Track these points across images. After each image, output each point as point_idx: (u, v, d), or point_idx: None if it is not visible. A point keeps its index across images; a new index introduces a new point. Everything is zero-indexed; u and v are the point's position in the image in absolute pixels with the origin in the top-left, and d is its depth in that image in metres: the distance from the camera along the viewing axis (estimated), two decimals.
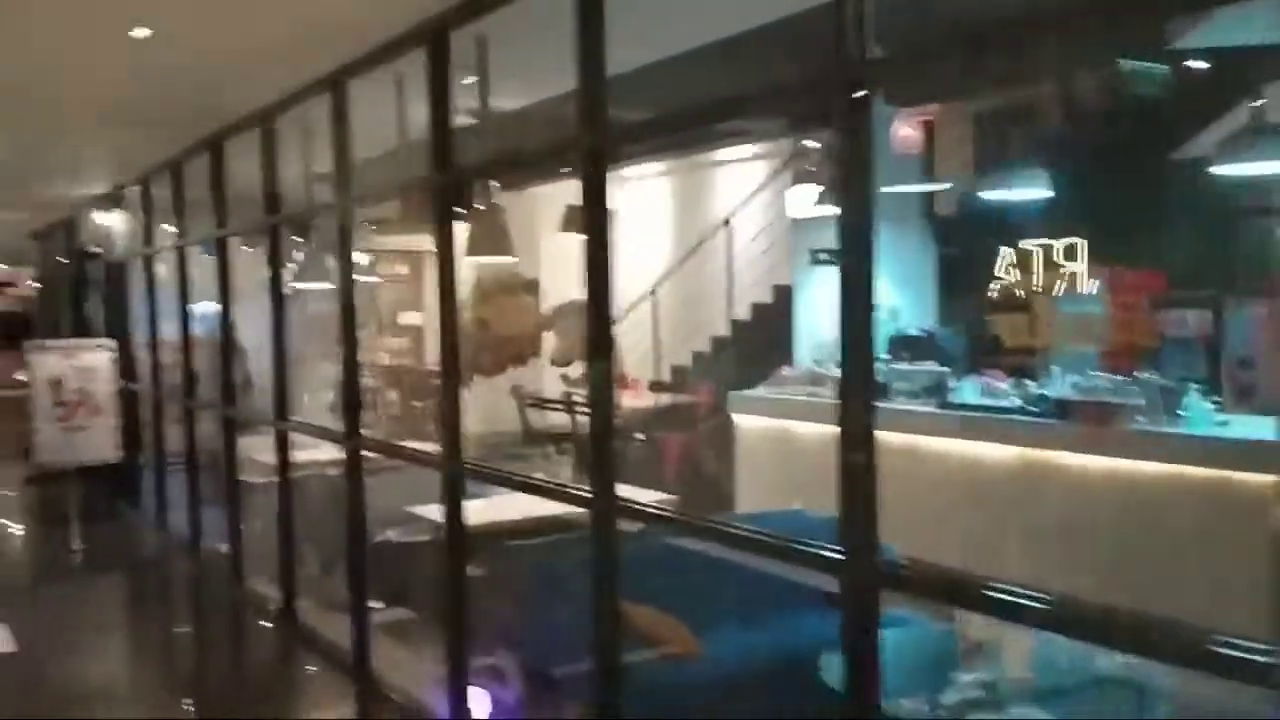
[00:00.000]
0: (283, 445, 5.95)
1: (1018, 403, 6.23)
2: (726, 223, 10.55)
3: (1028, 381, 6.42)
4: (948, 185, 8.33)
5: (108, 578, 7.94)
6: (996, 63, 4.36)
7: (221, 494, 7.20)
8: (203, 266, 7.49)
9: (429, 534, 5.68)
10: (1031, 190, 6.87)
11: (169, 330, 8.39)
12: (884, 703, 2.53)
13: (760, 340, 9.50)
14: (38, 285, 16.34)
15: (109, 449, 8.53)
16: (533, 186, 11.35)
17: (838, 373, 7.93)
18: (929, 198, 8.39)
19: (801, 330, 8.82)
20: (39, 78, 5.30)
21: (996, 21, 2.05)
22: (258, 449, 6.97)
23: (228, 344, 7.01)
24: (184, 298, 7.82)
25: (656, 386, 10.96)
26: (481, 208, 5.81)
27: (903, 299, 8.18)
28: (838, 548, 2.45)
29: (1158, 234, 7.30)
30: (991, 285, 8.58)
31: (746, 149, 10.39)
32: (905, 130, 7.87)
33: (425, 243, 14.14)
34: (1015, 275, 8.49)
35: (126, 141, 7.21)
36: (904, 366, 7.06)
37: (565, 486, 3.86)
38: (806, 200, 8.38)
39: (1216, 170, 5.63)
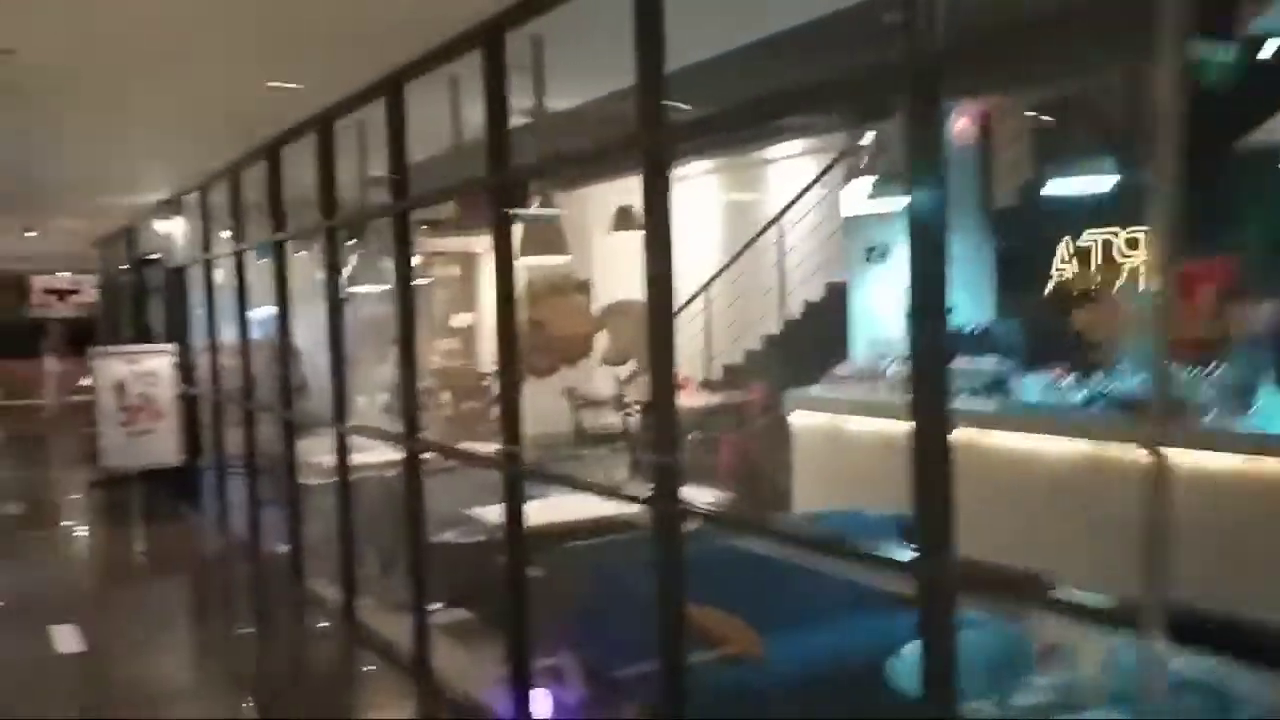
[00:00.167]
0: (341, 447, 5.99)
1: (1082, 398, 6.09)
2: (777, 220, 10.47)
3: (1093, 377, 6.27)
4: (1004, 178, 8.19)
5: (171, 579, 8.07)
6: (1058, 53, 4.27)
7: (281, 496, 7.27)
8: (260, 271, 7.58)
9: (487, 535, 5.69)
10: (1093, 182, 6.73)
11: (227, 335, 8.50)
12: (959, 705, 2.48)
13: (814, 338, 9.41)
14: (99, 291, 16.69)
15: (170, 452, 8.68)
16: (583, 187, 11.35)
17: (895, 370, 7.83)
18: (985, 191, 8.25)
19: (856, 327, 8.72)
20: (104, 91, 5.38)
21: (1059, 11, 1.99)
22: (315, 451, 7.03)
23: (285, 348, 7.07)
24: (242, 302, 7.90)
25: (708, 386, 10.91)
26: (536, 207, 5.80)
27: (958, 294, 8.05)
28: (913, 548, 2.39)
29: (1227, 224, 7.11)
30: (1050, 279, 8.41)
31: (796, 145, 10.30)
32: (960, 122, 7.75)
33: (476, 244, 14.28)
34: (1074, 269, 8.32)
35: (187, 149, 7.31)
36: (963, 364, 6.94)
37: (627, 489, 3.83)
38: (860, 196, 8.28)
39: None
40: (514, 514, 4.09)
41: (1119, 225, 7.86)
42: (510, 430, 4.03)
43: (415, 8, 3.96)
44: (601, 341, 12.41)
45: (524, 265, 9.90)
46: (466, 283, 14.44)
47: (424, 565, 5.12)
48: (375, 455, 6.72)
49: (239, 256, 7.88)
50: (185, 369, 9.28)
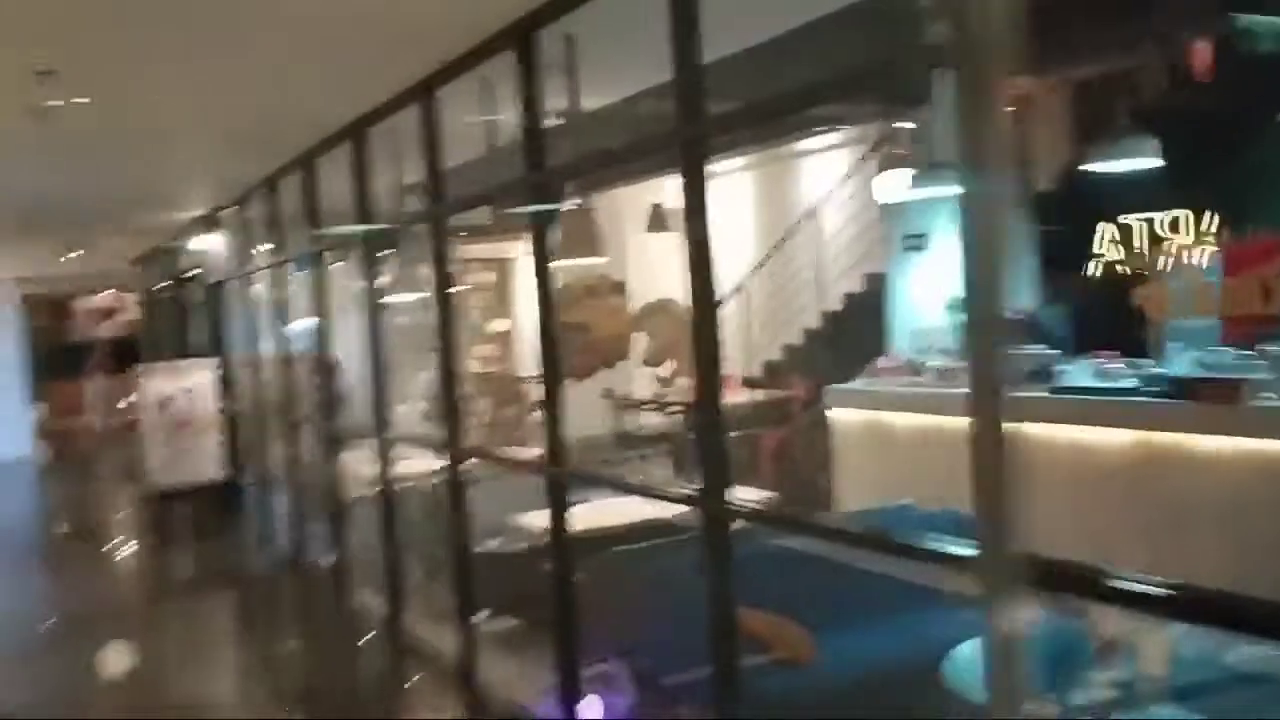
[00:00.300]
0: (384, 457, 5.98)
1: (1134, 383, 5.95)
2: (813, 213, 10.38)
3: (1145, 360, 6.13)
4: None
5: (218, 593, 8.12)
6: (1100, 29, 4.17)
7: (324, 508, 7.29)
8: (299, 284, 7.60)
9: (532, 542, 5.66)
10: (1136, 161, 6.58)
11: (268, 348, 8.54)
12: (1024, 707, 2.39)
13: (854, 331, 9.31)
14: (141, 309, 16.90)
15: (214, 468, 8.73)
16: (616, 187, 11.31)
17: (939, 362, 7.71)
18: (1027, 175, 8.11)
19: (897, 319, 8.61)
20: (146, 113, 5.41)
21: None
22: (358, 462, 7.04)
23: (325, 359, 7.08)
24: (282, 315, 7.93)
25: (750, 383, 10.83)
26: (572, 208, 5.76)
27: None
28: (972, 545, 2.31)
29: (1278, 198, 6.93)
30: (1092, 262, 8.26)
31: (829, 138, 10.20)
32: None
33: (510, 249, 14.27)
34: (1116, 252, 8.17)
35: (224, 164, 7.35)
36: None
37: (675, 490, 3.77)
38: (897, 185, 8.17)
39: None
40: (559, 519, 4.05)
41: (1159, 207, 7.71)
42: (554, 433, 3.99)
43: (446, 12, 3.93)
44: (640, 342, 12.36)
45: (560, 268, 9.89)
46: (502, 288, 14.46)
47: (469, 574, 5.10)
48: (418, 465, 6.71)
49: (278, 269, 7.91)
50: (227, 383, 9.34)
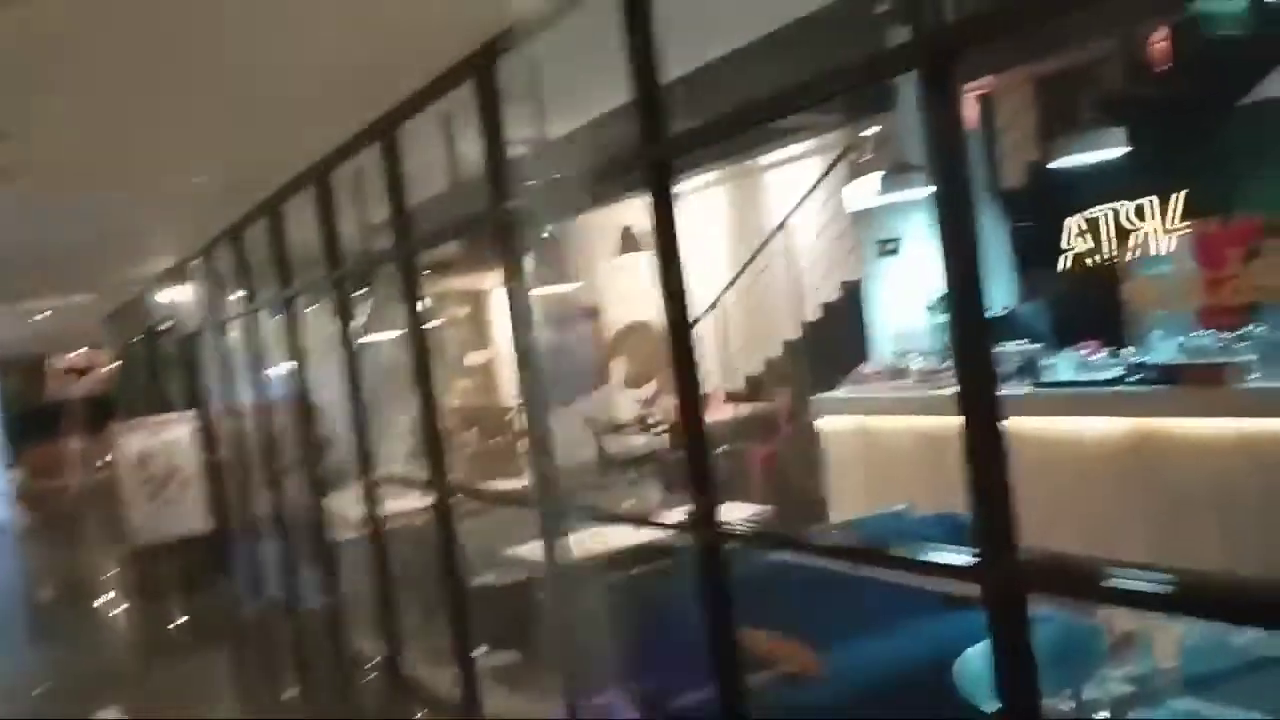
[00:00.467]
0: (370, 499, 5.90)
1: (1119, 373, 5.95)
2: (784, 224, 10.37)
3: (1127, 349, 6.13)
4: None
5: (212, 647, 7.99)
6: (1061, 23, 4.17)
7: (315, 553, 7.19)
8: (274, 329, 7.52)
9: (528, 574, 5.59)
10: (1102, 153, 6.60)
11: (246, 396, 8.45)
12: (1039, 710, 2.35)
13: (834, 339, 9.29)
14: (115, 365, 16.75)
15: (199, 519, 8.62)
16: (587, 211, 11.28)
17: (922, 364, 7.71)
18: (994, 173, 8.14)
19: (876, 324, 8.60)
20: (104, 170, 5.35)
21: None
22: (346, 504, 6.95)
23: (305, 404, 7.01)
24: (257, 362, 7.85)
25: (733, 398, 10.79)
26: (541, 236, 5.72)
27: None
28: (973, 551, 2.27)
29: (1245, 180, 6.97)
30: (1064, 255, 8.28)
31: (796, 148, 10.20)
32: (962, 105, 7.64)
33: (483, 281, 14.21)
34: (1086, 243, 8.19)
35: (189, 215, 7.28)
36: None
37: (664, 516, 3.72)
38: (866, 191, 8.19)
39: None
40: (552, 550, 3.99)
41: (1126, 196, 7.74)
42: (542, 466, 3.93)
43: (402, 48, 3.89)
44: (618, 365, 12.32)
45: (534, 296, 9.85)
46: (478, 320, 14.40)
47: (466, 610, 5.02)
48: (407, 502, 6.63)
49: (250, 317, 7.83)
50: (207, 435, 9.24)
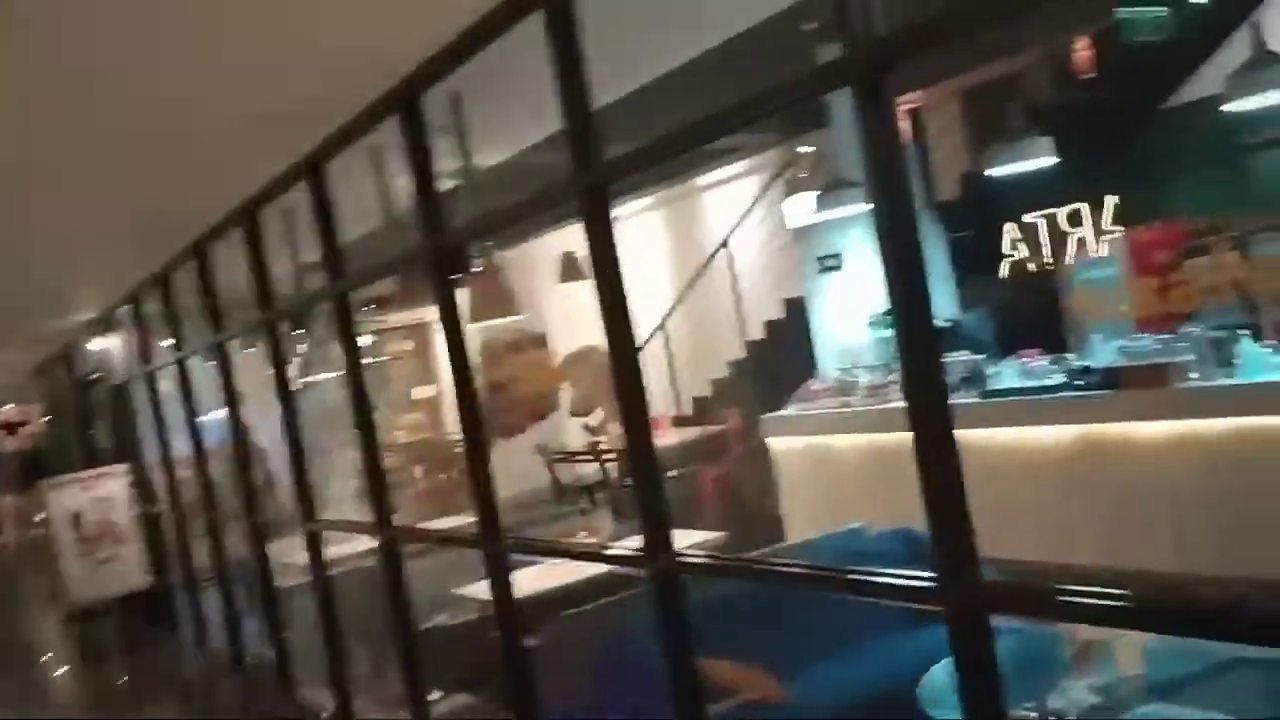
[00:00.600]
0: (314, 545, 5.73)
1: (1063, 379, 5.98)
2: (724, 244, 10.37)
3: (1069, 356, 6.17)
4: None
5: (157, 706, 7.71)
6: (985, 36, 4.19)
7: (259, 603, 6.98)
8: (208, 375, 7.33)
9: (479, 613, 5.45)
10: (1032, 161, 6.68)
11: (182, 445, 8.22)
12: None
13: (780, 357, 9.28)
14: (47, 420, 16.28)
15: (138, 575, 8.34)
16: (528, 241, 11.22)
17: (869, 379, 7.68)
18: (929, 185, 8.20)
19: (821, 340, 8.61)
20: (23, 223, 5.17)
21: None
22: (291, 550, 6.76)
23: (242, 450, 6.82)
24: (192, 409, 7.64)
25: (681, 421, 10.74)
26: (479, 269, 5.64)
27: None
28: (930, 574, 2.21)
29: (1173, 183, 7.09)
30: (1003, 263, 8.37)
31: (734, 168, 10.23)
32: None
33: (428, 314, 14.07)
34: (1025, 249, 8.28)
35: (113, 263, 7.07)
36: None
37: (617, 547, 3.63)
38: (805, 208, 8.21)
39: (1227, 108, 5.45)
40: (502, 589, 3.87)
41: (1058, 203, 7.85)
42: (485, 504, 3.82)
43: (325, 84, 3.79)
44: (567, 393, 12.22)
45: (477, 328, 9.75)
46: (423, 354, 14.22)
47: (417, 654, 4.87)
48: (354, 545, 6.47)
49: (182, 364, 7.62)
50: (142, 487, 8.97)
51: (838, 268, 8.36)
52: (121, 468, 8.66)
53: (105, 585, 8.16)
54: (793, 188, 8.55)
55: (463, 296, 5.89)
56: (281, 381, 5.74)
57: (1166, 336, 5.67)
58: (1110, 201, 7.60)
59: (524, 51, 3.16)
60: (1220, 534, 5.26)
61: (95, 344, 10.26)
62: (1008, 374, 6.35)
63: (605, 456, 9.99)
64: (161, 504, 9.17)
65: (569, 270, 10.92)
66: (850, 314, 8.12)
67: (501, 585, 3.84)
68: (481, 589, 5.08)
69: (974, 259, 8.24)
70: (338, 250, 4.61)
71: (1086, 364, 5.93)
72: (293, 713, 6.54)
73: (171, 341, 7.78)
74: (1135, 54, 6.59)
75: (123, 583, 8.22)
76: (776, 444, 7.96)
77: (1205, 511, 5.33)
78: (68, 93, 3.46)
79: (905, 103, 7.89)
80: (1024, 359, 6.36)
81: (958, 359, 6.55)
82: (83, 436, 11.89)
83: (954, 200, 8.40)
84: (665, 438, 10.24)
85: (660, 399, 10.98)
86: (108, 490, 8.27)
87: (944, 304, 7.92)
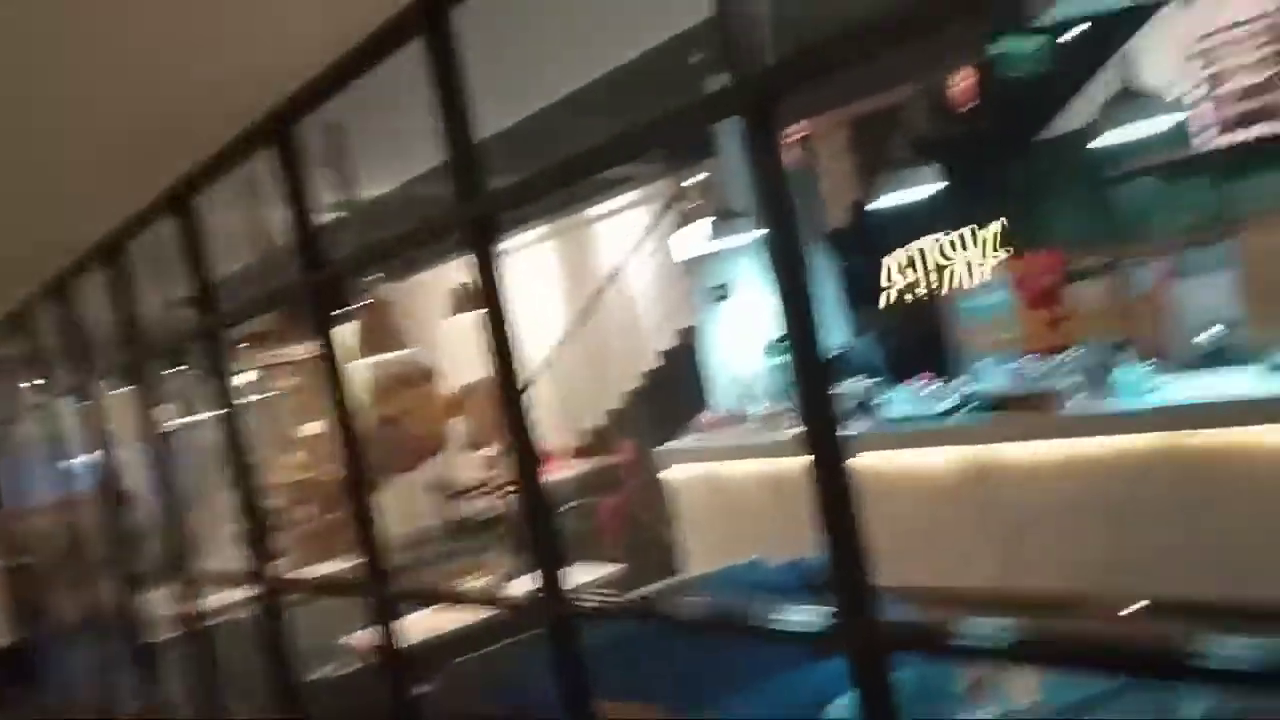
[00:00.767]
0: (189, 596, 5.44)
1: (954, 404, 6.07)
2: (616, 274, 10.33)
3: (958, 381, 6.27)
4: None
5: None
6: (869, 68, 4.23)
7: (132, 658, 6.59)
8: (76, 417, 6.94)
9: (367, 663, 5.23)
10: (918, 190, 6.79)
11: (47, 493, 7.76)
12: None
13: (674, 387, 9.25)
14: None
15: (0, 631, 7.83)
16: (421, 272, 11.01)
17: (762, 408, 7.70)
18: (820, 214, 8.30)
19: (715, 369, 8.61)
20: None
21: (867, 24, 1.87)
22: (164, 601, 6.41)
23: (113, 495, 6.46)
24: (57, 455, 7.22)
25: (577, 452, 10.62)
26: (366, 302, 5.45)
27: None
28: (830, 616, 2.15)
29: (1050, 213, 7.31)
30: (888, 290, 8.51)
31: (625, 199, 10.21)
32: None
33: (317, 348, 13.62)
34: (910, 276, 8.43)
35: None
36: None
37: (510, 588, 3.50)
38: (695, 238, 8.22)
39: (1100, 141, 5.63)
40: (390, 638, 3.70)
41: (943, 231, 8.02)
42: (369, 549, 3.65)
43: (192, 111, 3.60)
44: (460, 427, 11.99)
45: (367, 363, 9.48)
46: (313, 390, 13.79)
47: (300, 709, 4.64)
48: (235, 593, 6.17)
49: (47, 407, 7.20)
50: (4, 538, 8.46)
51: (728, 297, 8.39)
52: None
53: None
54: (684, 218, 8.56)
55: (350, 330, 5.71)
56: (151, 423, 5.45)
57: (1052, 361, 5.81)
58: (992, 229, 7.80)
59: (406, 80, 3.05)
60: (1105, 550, 5.39)
61: None
62: (900, 399, 6.41)
63: (503, 490, 9.80)
64: (26, 554, 8.65)
65: (461, 302, 10.74)
66: (743, 342, 8.15)
67: (389, 634, 3.67)
68: (365, 638, 4.88)
69: (864, 286, 8.36)
70: (209, 285, 4.39)
71: (976, 388, 6.03)
72: None
73: (35, 383, 7.35)
74: (1013, 87, 6.78)
75: None
76: (673, 474, 7.92)
77: (1091, 529, 5.46)
78: None
79: (794, 133, 7.98)
80: (916, 384, 6.44)
81: (850, 385, 6.60)
82: None
83: (844, 228, 8.51)
84: (562, 470, 10.10)
85: (557, 431, 10.86)
86: None
87: (836, 330, 8.00)
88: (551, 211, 9.76)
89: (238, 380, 13.10)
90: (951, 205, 7.22)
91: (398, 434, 12.28)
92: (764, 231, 2.14)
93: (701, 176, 8.31)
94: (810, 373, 2.13)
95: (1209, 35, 6.42)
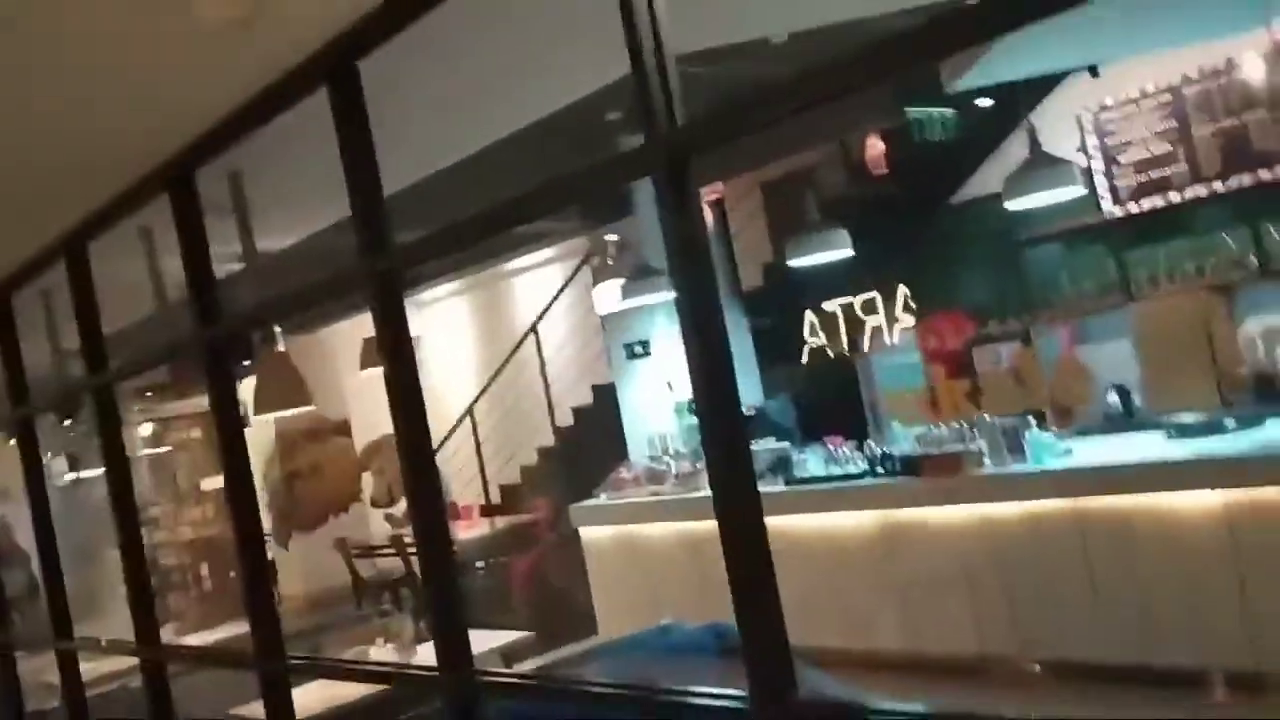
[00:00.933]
0: (70, 666, 5.11)
1: (865, 466, 6.08)
2: (533, 330, 10.25)
3: (871, 443, 6.29)
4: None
5: None
6: (783, 130, 4.26)
7: None
8: None
9: None
10: (830, 253, 6.85)
11: None
12: None
13: (589, 444, 9.16)
14: None
15: None
16: (327, 325, 10.78)
17: (676, 467, 7.56)
18: (733, 274, 8.34)
19: (630, 426, 8.53)
20: None
21: (780, 86, 1.85)
22: (48, 668, 6.04)
23: None
24: None
25: (489, 510, 10.42)
26: (266, 356, 5.27)
27: None
28: (741, 697, 2.06)
29: (960, 276, 7.44)
30: (804, 350, 8.57)
31: (541, 254, 10.17)
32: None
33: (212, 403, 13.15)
34: (823, 338, 8.50)
35: None
36: None
37: (411, 669, 3.34)
38: (611, 295, 8.18)
39: (1008, 206, 5.76)
40: (279, 714, 3.49)
41: (854, 293, 8.13)
42: (262, 619, 3.46)
43: (85, 157, 3.44)
44: (368, 482, 11.70)
45: (268, 418, 9.18)
46: (214, 444, 13.32)
47: None
48: (123, 660, 5.84)
49: None
50: None
51: (646, 354, 8.35)
52: None
53: None
54: (599, 275, 8.53)
55: (249, 385, 5.50)
56: (34, 478, 5.16)
57: (961, 425, 5.86)
58: (902, 292, 7.91)
59: (313, 130, 2.95)
60: (1011, 611, 5.41)
61: None
62: (813, 460, 6.41)
63: (408, 550, 9.54)
64: None
65: (369, 356, 10.53)
66: (658, 400, 8.10)
67: (280, 710, 3.46)
68: (256, 710, 4.64)
69: (777, 346, 8.40)
70: (99, 337, 4.18)
71: (887, 451, 6.05)
72: None
73: None
74: (924, 151, 6.93)
75: None
76: (587, 533, 7.78)
77: (999, 592, 5.48)
78: None
79: (709, 193, 8.03)
80: (829, 445, 6.43)
81: (762, 446, 6.58)
82: None
83: (757, 289, 8.57)
84: (473, 528, 9.89)
85: (468, 487, 10.65)
86: None
87: (748, 391, 8.00)
88: (469, 264, 9.65)
89: (141, 431, 12.61)
90: (864, 268, 7.32)
91: (304, 489, 11.93)
92: (677, 291, 2.09)
93: (618, 234, 8.31)
94: (724, 434, 2.07)
95: (1108, 108, 6.66)
